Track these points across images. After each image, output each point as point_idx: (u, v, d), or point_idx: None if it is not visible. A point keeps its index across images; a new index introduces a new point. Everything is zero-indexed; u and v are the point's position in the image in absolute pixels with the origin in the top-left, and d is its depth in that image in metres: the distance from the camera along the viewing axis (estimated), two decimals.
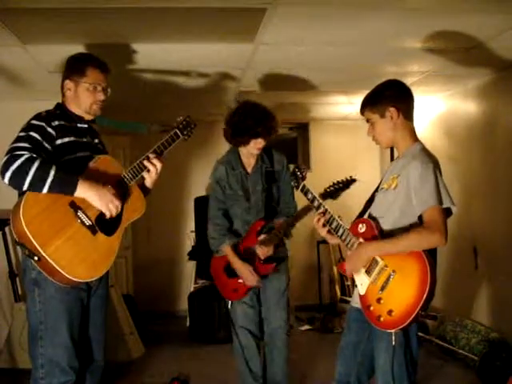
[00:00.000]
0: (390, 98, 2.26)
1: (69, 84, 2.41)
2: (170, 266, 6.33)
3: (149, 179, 2.49)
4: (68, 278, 2.14)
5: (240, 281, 3.26)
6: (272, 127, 3.23)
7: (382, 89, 2.31)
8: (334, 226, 2.35)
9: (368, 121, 2.34)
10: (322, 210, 2.40)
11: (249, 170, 3.36)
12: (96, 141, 2.53)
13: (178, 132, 2.57)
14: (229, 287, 3.33)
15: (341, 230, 2.33)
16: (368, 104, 2.32)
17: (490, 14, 2.92)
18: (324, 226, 2.38)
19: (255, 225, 3.30)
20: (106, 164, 2.37)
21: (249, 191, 3.34)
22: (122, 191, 2.35)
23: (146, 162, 2.43)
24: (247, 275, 3.19)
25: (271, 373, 3.37)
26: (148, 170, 2.44)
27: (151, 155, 2.45)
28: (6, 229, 4.44)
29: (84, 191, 2.18)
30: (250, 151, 3.29)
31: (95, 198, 2.20)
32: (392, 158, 4.84)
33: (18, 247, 2.18)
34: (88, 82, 2.40)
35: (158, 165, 2.45)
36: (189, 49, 3.46)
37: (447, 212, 2.15)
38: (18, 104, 4.52)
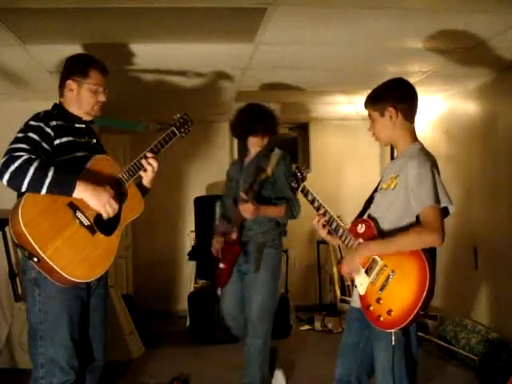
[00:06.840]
0: (391, 98, 2.28)
1: (72, 85, 2.40)
2: (170, 266, 6.32)
3: (146, 178, 2.50)
4: (68, 278, 2.14)
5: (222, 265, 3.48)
6: (262, 127, 3.42)
7: (385, 88, 2.33)
8: (333, 226, 2.37)
9: (370, 117, 2.36)
10: (322, 211, 2.41)
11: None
12: (94, 141, 2.52)
13: (175, 130, 2.58)
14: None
15: (340, 231, 2.34)
16: (370, 101, 2.35)
17: (490, 14, 2.92)
18: (324, 226, 2.40)
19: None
20: (103, 164, 2.37)
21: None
22: (119, 191, 2.35)
23: (143, 161, 2.44)
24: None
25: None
26: (145, 170, 2.45)
27: (148, 154, 2.46)
28: (6, 229, 4.44)
29: (82, 192, 2.18)
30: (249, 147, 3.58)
31: (92, 198, 2.20)
32: (392, 158, 4.83)
33: (18, 249, 2.18)
34: (92, 84, 2.40)
35: (155, 164, 2.46)
36: (188, 49, 3.46)
37: (444, 212, 2.16)
38: (18, 104, 4.51)
